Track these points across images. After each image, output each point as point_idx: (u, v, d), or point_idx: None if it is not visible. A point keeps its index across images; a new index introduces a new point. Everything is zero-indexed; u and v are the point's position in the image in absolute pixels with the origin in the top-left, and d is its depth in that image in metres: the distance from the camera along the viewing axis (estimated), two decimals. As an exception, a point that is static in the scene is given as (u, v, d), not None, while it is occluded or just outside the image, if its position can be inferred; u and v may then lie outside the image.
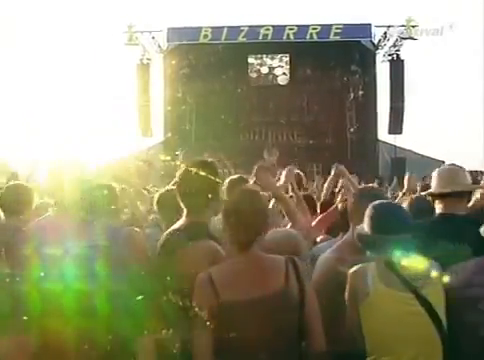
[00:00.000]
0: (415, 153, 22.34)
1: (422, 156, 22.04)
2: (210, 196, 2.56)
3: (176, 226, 2.67)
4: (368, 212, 2.39)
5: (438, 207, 2.82)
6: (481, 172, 19.39)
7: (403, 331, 2.13)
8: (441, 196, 2.81)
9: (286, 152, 20.75)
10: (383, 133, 21.77)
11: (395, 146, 21.61)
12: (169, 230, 2.72)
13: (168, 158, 20.45)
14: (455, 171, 2.89)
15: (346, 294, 2.29)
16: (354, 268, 2.30)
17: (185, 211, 2.64)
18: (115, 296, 2.03)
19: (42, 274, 2.10)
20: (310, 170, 19.52)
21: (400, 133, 21.27)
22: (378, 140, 21.94)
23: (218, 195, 2.66)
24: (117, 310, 2.00)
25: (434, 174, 2.92)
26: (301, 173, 6.18)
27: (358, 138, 21.33)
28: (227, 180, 3.69)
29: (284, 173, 4.00)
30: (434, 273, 2.22)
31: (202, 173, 2.58)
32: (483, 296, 2.00)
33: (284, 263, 2.18)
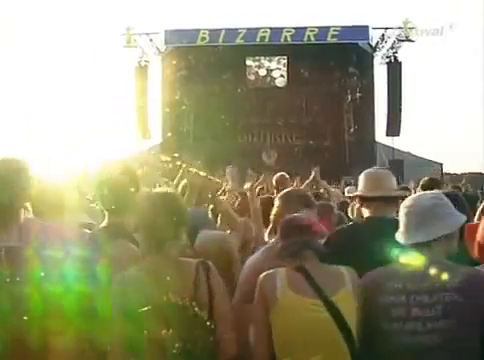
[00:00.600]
0: (413, 155, 22.37)
1: (420, 158, 22.07)
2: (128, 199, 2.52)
3: (100, 226, 2.70)
4: (282, 220, 2.42)
5: (365, 211, 2.77)
6: (480, 174, 19.43)
7: (309, 337, 2.12)
8: (368, 200, 2.76)
9: (284, 154, 20.84)
10: (381, 135, 21.88)
11: (393, 148, 21.62)
12: (94, 230, 2.76)
13: (167, 159, 20.37)
14: (381, 175, 2.85)
15: (255, 299, 2.28)
16: (264, 273, 2.29)
17: (106, 213, 2.64)
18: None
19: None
20: (309, 172, 19.51)
21: (398, 135, 21.31)
22: (376, 142, 21.96)
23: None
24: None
25: (361, 177, 2.85)
26: (286, 175, 6.22)
27: (356, 140, 21.35)
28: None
29: (227, 172, 3.91)
30: (347, 279, 2.21)
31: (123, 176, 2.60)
32: (396, 303, 1.96)
33: (195, 267, 2.12)
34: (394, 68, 20.83)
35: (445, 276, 1.94)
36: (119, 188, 2.55)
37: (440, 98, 43.11)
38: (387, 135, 21.46)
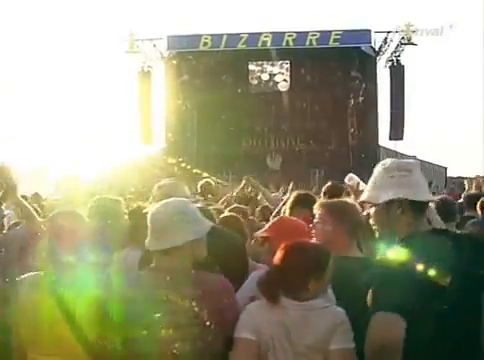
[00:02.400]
0: (417, 159, 22.10)
1: (423, 162, 21.45)
2: None
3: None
4: None
5: None
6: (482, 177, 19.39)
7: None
8: None
9: (289, 158, 20.89)
10: (384, 139, 21.85)
11: (396, 152, 21.47)
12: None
13: (171, 163, 20.39)
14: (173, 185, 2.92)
15: None
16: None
17: None
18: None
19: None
20: (312, 176, 19.58)
21: (401, 139, 21.28)
22: (379, 146, 21.94)
23: None
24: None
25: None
26: (211, 182, 6.40)
27: (359, 144, 21.35)
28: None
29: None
30: None
31: None
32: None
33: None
34: (397, 72, 20.80)
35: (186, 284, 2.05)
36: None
37: (444, 101, 43.13)
38: (390, 139, 21.43)
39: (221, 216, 3.47)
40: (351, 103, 21.48)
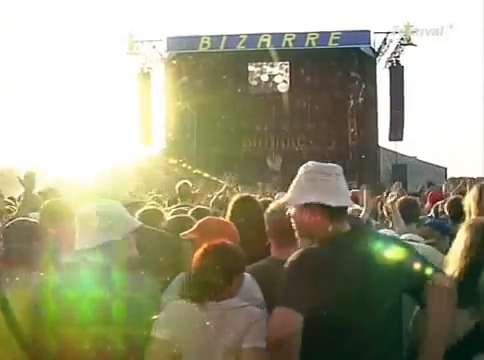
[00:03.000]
0: (416, 159, 22.43)
1: (423, 163, 22.11)
2: None
3: None
4: None
5: None
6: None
7: None
8: None
9: (289, 158, 20.73)
10: (384, 140, 21.87)
11: (396, 153, 21.66)
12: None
13: (171, 164, 20.36)
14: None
15: None
16: None
17: None
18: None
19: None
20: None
21: (401, 140, 21.28)
22: (379, 147, 21.98)
23: None
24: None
25: None
26: (189, 183, 6.43)
27: (359, 145, 21.35)
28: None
29: None
30: None
31: None
32: None
33: None
34: (396, 72, 20.80)
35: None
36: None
37: (444, 102, 43.14)
38: (390, 140, 21.44)
39: (168, 218, 3.45)
40: (351, 104, 21.48)
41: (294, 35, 20.93)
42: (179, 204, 5.60)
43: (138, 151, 22.22)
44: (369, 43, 21.02)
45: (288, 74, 22.11)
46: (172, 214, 3.90)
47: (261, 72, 22.43)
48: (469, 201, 2.86)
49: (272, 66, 22.25)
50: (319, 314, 1.86)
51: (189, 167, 18.84)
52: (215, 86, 21.17)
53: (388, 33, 20.52)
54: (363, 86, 21.33)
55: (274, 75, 22.36)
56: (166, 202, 6.97)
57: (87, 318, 2.08)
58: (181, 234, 2.63)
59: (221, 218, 2.84)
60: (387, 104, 21.03)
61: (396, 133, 20.94)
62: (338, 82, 21.43)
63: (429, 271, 1.96)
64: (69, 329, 2.05)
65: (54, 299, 2.10)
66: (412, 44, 19.88)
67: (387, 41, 20.73)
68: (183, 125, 21.56)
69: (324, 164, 2.14)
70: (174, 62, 22.00)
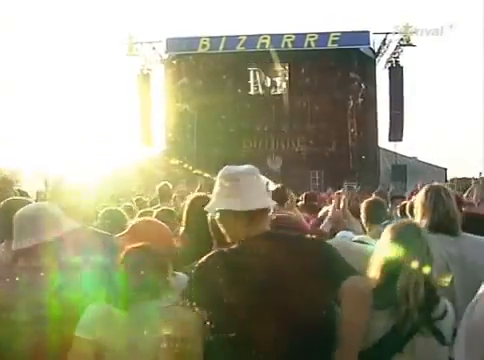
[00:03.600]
0: (416, 160, 22.37)
1: (423, 163, 22.05)
2: None
3: None
4: None
5: None
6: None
7: None
8: None
9: (289, 159, 20.82)
10: (384, 140, 21.90)
11: (395, 153, 21.66)
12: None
13: (172, 164, 20.22)
14: None
15: None
16: None
17: None
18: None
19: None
20: (313, 178, 19.65)
21: (400, 140, 21.32)
22: (379, 147, 22.01)
23: None
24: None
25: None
26: (169, 184, 6.44)
27: (359, 145, 21.36)
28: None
29: None
30: None
31: None
32: None
33: None
34: (396, 73, 20.86)
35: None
36: None
37: (443, 102, 43.16)
38: (390, 140, 21.50)
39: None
40: (350, 104, 21.48)
41: (293, 36, 20.97)
42: (158, 205, 5.59)
43: (138, 152, 22.32)
44: (368, 44, 21.05)
45: (287, 75, 22.13)
46: (139, 216, 3.93)
47: (261, 73, 22.40)
48: (416, 203, 2.81)
49: (272, 67, 22.21)
50: (217, 319, 1.88)
51: (189, 167, 18.88)
52: (215, 87, 21.17)
53: (387, 34, 20.58)
54: (363, 87, 21.36)
55: (274, 76, 22.43)
56: (149, 203, 6.98)
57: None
58: (117, 235, 2.64)
59: (155, 220, 2.82)
60: (387, 105, 21.13)
61: (396, 134, 20.99)
62: (337, 83, 21.43)
63: (345, 274, 1.94)
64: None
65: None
66: (411, 45, 19.98)
67: (386, 42, 20.78)
68: (183, 126, 21.57)
69: (236, 167, 2.14)
70: (174, 63, 22.06)
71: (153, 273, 2.12)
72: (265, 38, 20.95)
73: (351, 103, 21.47)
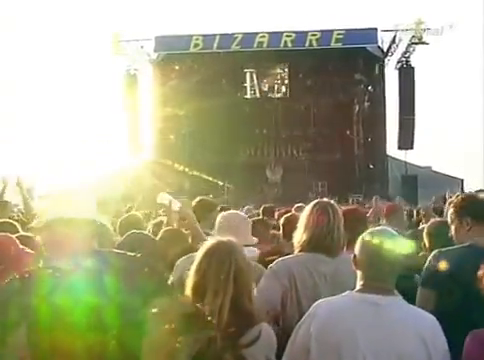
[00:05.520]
0: (429, 170, 22.26)
1: (436, 173, 21.92)
2: None
3: None
4: None
5: None
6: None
7: None
8: None
9: (290, 169, 20.62)
10: (393, 148, 21.62)
11: (406, 162, 21.43)
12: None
13: (162, 169, 20.87)
14: None
15: None
16: None
17: None
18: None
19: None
20: (315, 189, 19.00)
21: (411, 148, 21.05)
22: (387, 156, 21.77)
23: None
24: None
25: None
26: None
27: (366, 154, 21.25)
28: None
29: None
30: None
31: None
32: None
33: None
34: (406, 74, 20.63)
35: None
36: None
37: (459, 107, 42.15)
38: (399, 148, 21.23)
39: None
40: (356, 109, 21.35)
41: (293, 34, 20.71)
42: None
43: (126, 157, 22.16)
44: (376, 42, 20.83)
45: (287, 77, 21.93)
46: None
47: (258, 74, 22.12)
48: (301, 218, 2.85)
49: (270, 68, 22.09)
50: None
51: (181, 168, 19.20)
52: (207, 90, 20.95)
53: (397, 31, 20.27)
54: (369, 89, 21.30)
55: (272, 78, 22.16)
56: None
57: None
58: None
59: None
60: (396, 109, 20.84)
61: (406, 141, 20.80)
62: (342, 85, 21.25)
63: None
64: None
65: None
66: (424, 43, 19.64)
67: (396, 40, 20.49)
68: (175, 130, 21.55)
69: None
70: (163, 64, 21.81)
71: None
72: (263, 36, 20.69)
73: (357, 107, 21.34)
